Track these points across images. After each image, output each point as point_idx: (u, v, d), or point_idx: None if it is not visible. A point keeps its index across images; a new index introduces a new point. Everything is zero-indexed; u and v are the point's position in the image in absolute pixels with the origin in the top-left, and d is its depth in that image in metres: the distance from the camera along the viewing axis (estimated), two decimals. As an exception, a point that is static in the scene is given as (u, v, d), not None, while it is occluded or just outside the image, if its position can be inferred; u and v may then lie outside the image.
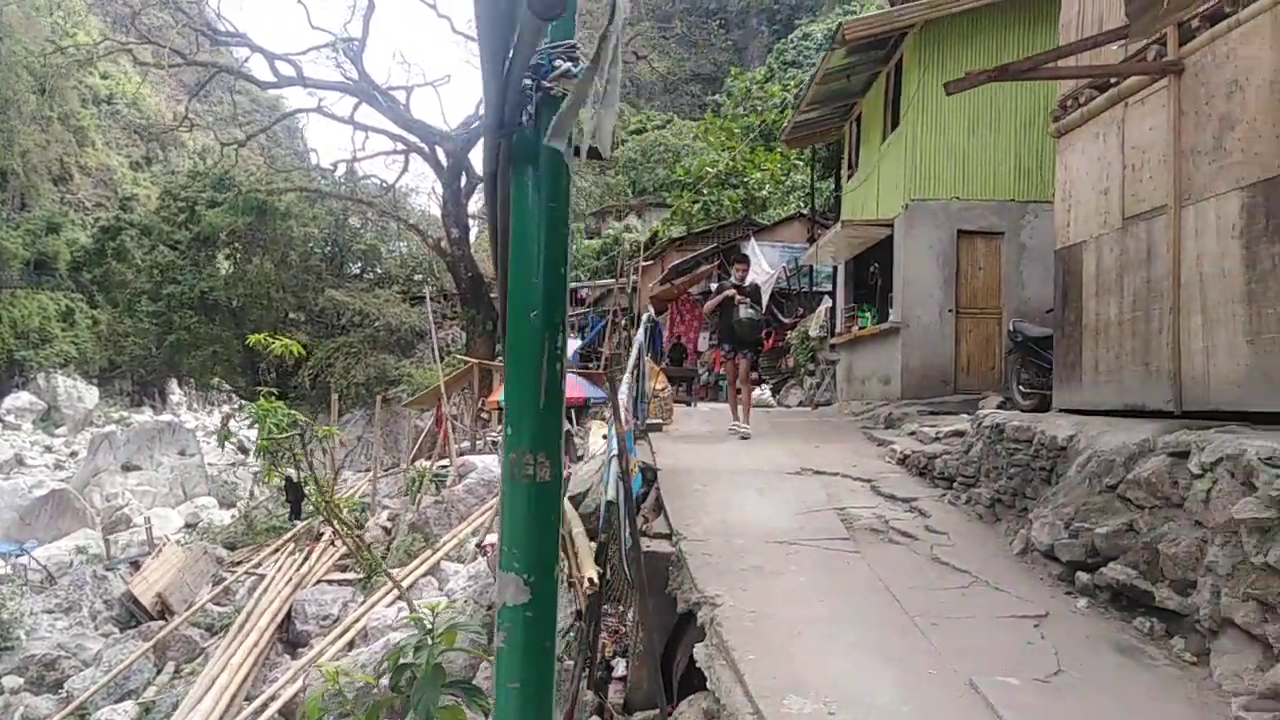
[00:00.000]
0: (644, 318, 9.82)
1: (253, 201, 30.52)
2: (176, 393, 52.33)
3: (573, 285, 38.23)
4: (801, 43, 42.83)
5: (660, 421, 9.76)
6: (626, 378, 7.34)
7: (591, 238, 42.38)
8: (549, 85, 1.42)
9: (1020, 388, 9.30)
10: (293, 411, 11.09)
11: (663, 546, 6.11)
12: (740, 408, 9.39)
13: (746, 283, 9.39)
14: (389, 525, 16.38)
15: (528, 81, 1.41)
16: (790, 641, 4.21)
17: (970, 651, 4.05)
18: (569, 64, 1.42)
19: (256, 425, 12.42)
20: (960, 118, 11.53)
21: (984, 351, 11.35)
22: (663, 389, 10.21)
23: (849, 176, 15.30)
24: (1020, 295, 11.27)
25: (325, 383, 33.09)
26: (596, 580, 4.28)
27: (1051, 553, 5.24)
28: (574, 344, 29.51)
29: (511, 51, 1.36)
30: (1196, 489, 4.37)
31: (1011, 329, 9.81)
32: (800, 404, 16.87)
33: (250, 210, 30.65)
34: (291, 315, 34.19)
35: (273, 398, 10.23)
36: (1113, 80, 6.72)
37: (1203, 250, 5.69)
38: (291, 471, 13.40)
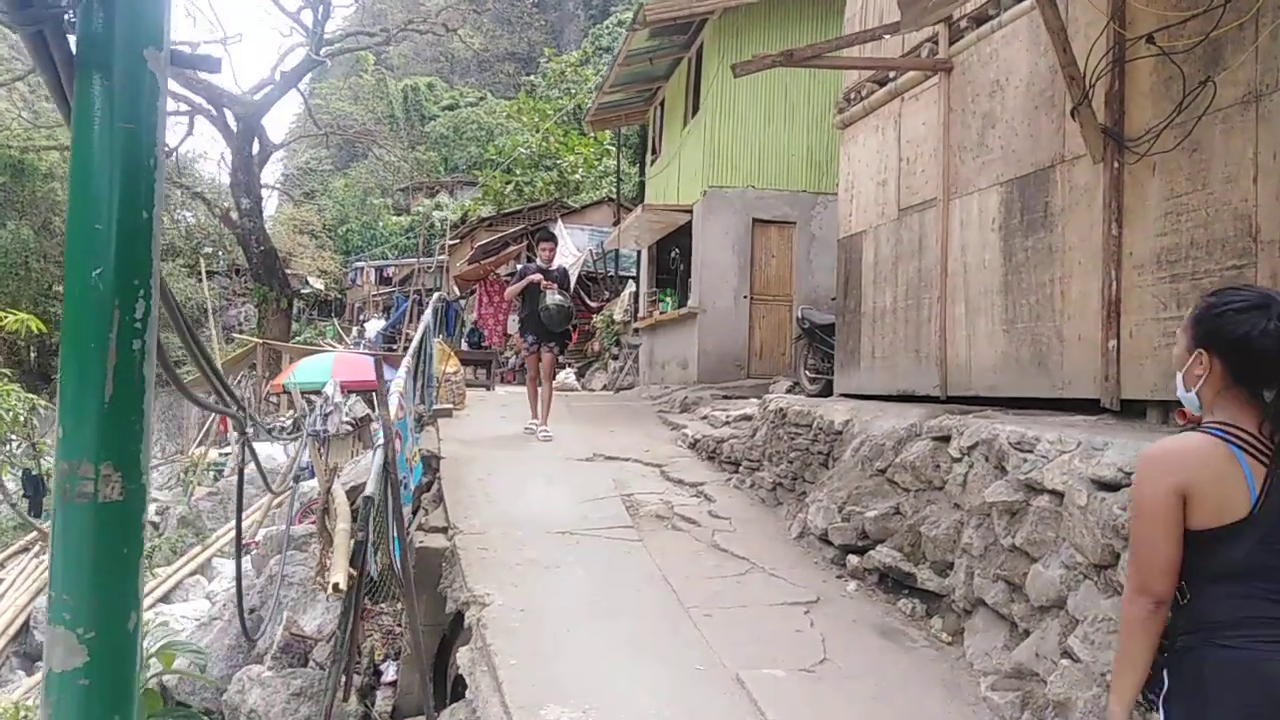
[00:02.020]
0: (434, 297, 9.26)
1: (7, 159, 26.91)
2: (-83, 372, 45.65)
3: (379, 263, 36.77)
4: (617, 29, 42.85)
5: (451, 406, 9.29)
6: (406, 360, 6.85)
7: (400, 214, 40.68)
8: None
9: (807, 373, 9.56)
10: (31, 396, 9.75)
11: (438, 541, 5.72)
12: (541, 406, 8.34)
13: (554, 265, 8.50)
14: (158, 520, 14.92)
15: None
16: (558, 642, 3.96)
17: (741, 643, 3.96)
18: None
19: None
20: (757, 108, 11.74)
21: (776, 337, 11.64)
22: (455, 372, 9.73)
23: (653, 161, 15.32)
24: (810, 283, 11.64)
25: (97, 364, 29.94)
26: (343, 585, 3.84)
27: (826, 536, 5.30)
28: (379, 324, 28.16)
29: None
30: (956, 472, 4.50)
31: (800, 316, 10.07)
32: (604, 388, 16.81)
33: (4, 169, 27.05)
34: (56, 288, 30.66)
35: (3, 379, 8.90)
36: (891, 75, 6.92)
37: (967, 242, 5.95)
38: (31, 463, 11.89)
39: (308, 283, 38.27)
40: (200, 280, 35.75)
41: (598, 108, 15.05)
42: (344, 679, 4.42)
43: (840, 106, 7.74)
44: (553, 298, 7.90)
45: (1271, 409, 1.89)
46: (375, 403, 5.08)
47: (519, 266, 8.61)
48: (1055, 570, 3.46)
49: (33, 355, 32.56)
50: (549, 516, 5.87)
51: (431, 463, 7.37)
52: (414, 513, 6.60)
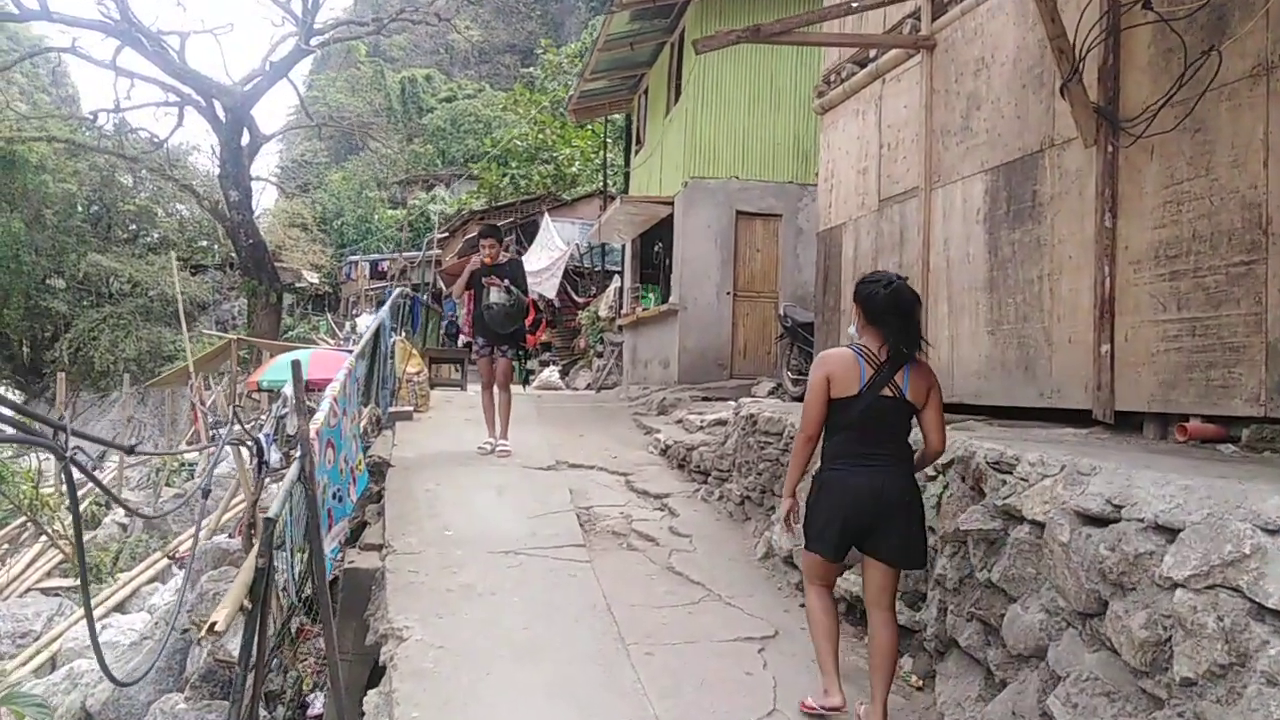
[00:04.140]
0: (396, 292, 8.76)
1: None
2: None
3: (373, 257, 36.23)
4: (615, 21, 42.23)
5: (411, 409, 8.82)
6: (349, 360, 6.37)
7: (396, 207, 40.16)
8: None
9: (789, 374, 9.08)
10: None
11: (371, 560, 5.26)
12: (499, 417, 7.40)
13: (503, 260, 7.50)
14: (125, 522, 14.46)
15: None
16: (474, 687, 3.49)
17: (680, 690, 3.49)
18: None
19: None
20: (741, 96, 11.25)
21: (760, 335, 11.15)
22: (417, 372, 9.24)
23: (638, 152, 14.82)
24: (796, 279, 11.15)
25: (89, 357, 29.52)
26: (221, 627, 3.37)
27: (791, 559, 4.83)
28: (370, 319, 27.67)
29: None
30: (930, 492, 4.01)
31: (782, 313, 9.61)
32: (588, 386, 16.34)
33: None
34: (49, 281, 30.26)
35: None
36: (872, 55, 6.43)
37: (950, 235, 5.46)
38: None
39: (301, 276, 37.82)
40: (195, 274, 35.32)
41: (580, 95, 14.54)
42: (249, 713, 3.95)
43: (819, 90, 7.25)
44: (495, 295, 7.08)
45: (889, 339, 3.27)
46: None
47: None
48: (1035, 614, 2.99)
49: (25, 351, 32.17)
50: (494, 533, 5.40)
51: (383, 470, 6.91)
52: (353, 528, 6.13)
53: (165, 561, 11.25)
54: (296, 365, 4.65)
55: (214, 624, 3.30)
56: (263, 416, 15.86)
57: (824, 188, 7.29)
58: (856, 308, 3.39)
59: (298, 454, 4.47)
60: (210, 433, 15.50)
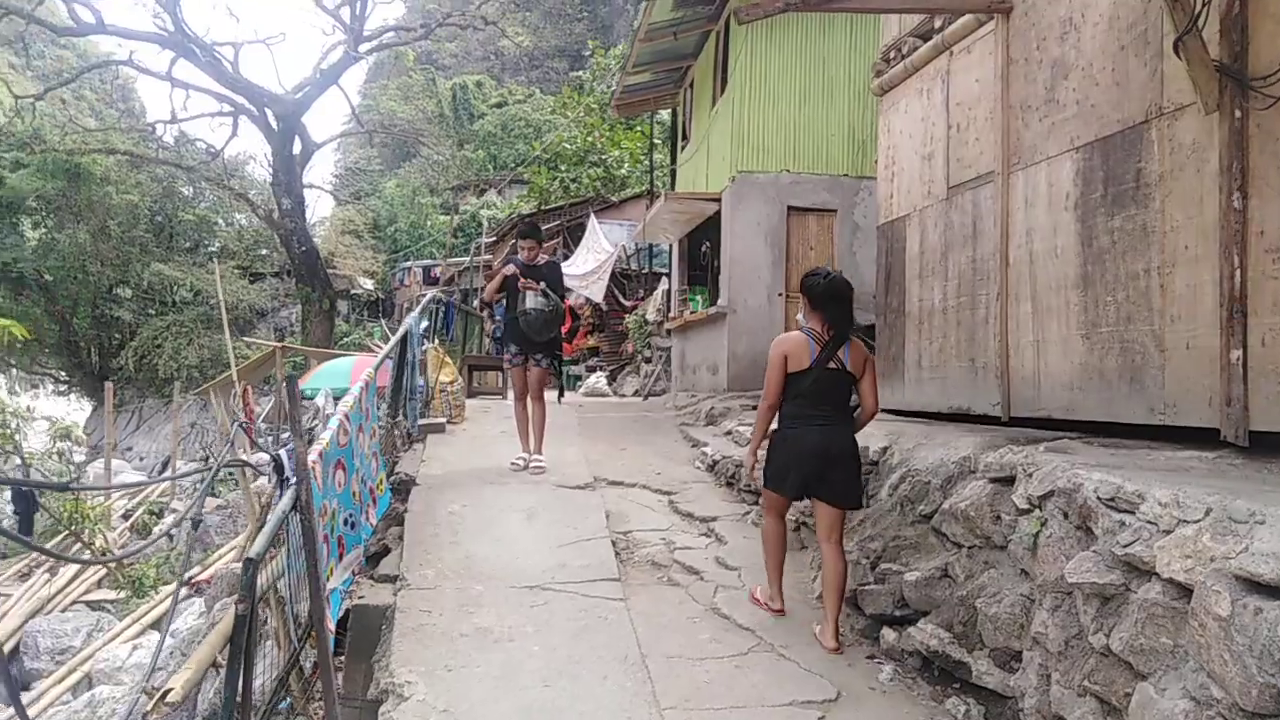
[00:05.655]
0: (427, 297, 8.28)
1: (63, 164, 27.04)
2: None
3: (425, 263, 36.22)
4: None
5: (444, 420, 8.35)
6: (367, 371, 5.89)
7: (448, 213, 40.21)
8: None
9: (847, 380, 8.42)
10: (14, 408, 9.11)
11: (383, 595, 4.75)
12: (532, 430, 6.86)
13: (540, 262, 6.87)
14: (174, 532, 14.31)
15: None
16: (478, 769, 2.94)
17: (724, 774, 2.89)
18: None
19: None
20: (791, 84, 10.58)
21: (815, 338, 10.45)
22: (450, 381, 8.77)
23: (683, 148, 14.22)
24: (854, 279, 10.38)
25: (153, 364, 29.96)
26: (177, 695, 2.88)
27: (855, 600, 4.20)
28: (425, 324, 27.51)
29: None
30: (1023, 529, 3.36)
31: (839, 315, 8.93)
32: (636, 393, 15.78)
33: (60, 173, 27.17)
34: (115, 290, 30.81)
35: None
36: (936, 25, 5.75)
37: (1033, 224, 4.77)
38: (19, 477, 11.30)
39: (355, 283, 38.03)
40: (253, 282, 35.67)
41: (623, 90, 13.99)
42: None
43: (877, 69, 6.58)
44: (532, 300, 6.54)
45: (829, 321, 4.10)
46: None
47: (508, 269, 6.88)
48: (1176, 700, 2.33)
49: (94, 358, 32.80)
50: (519, 564, 4.85)
51: (408, 488, 6.42)
52: (376, 550, 5.65)
53: (206, 573, 11.00)
54: (293, 384, 4.17)
55: (167, 691, 2.81)
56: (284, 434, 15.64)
57: (884, 176, 6.61)
58: (803, 297, 4.25)
59: (291, 482, 3.98)
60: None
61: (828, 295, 4.09)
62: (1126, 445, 3.82)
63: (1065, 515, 3.08)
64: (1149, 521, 2.62)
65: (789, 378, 4.09)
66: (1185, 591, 2.37)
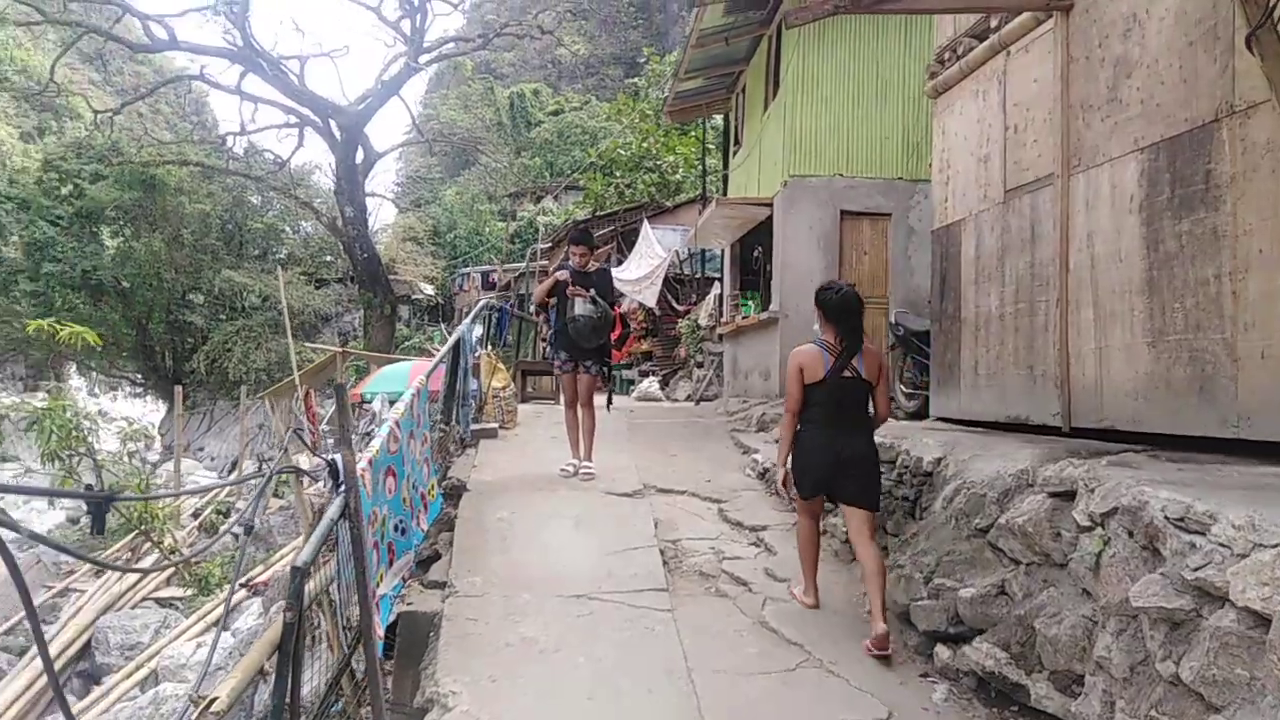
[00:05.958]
0: (480, 303, 8.33)
1: (139, 175, 28.11)
2: (75, 377, 48.58)
3: (484, 269, 36.65)
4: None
5: (497, 426, 8.38)
6: (419, 378, 5.94)
7: (506, 219, 40.65)
8: None
9: (902, 387, 8.25)
10: (87, 411, 9.40)
11: (432, 602, 4.77)
12: (582, 438, 6.85)
13: (590, 268, 6.95)
14: (237, 531, 14.62)
15: None
16: (520, 784, 2.91)
17: (770, 796, 2.82)
18: None
19: (36, 429, 10.64)
20: (844, 87, 10.43)
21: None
22: (503, 387, 8.82)
23: (736, 153, 14.12)
24: (909, 283, 10.25)
25: (223, 368, 30.84)
26: (223, 704, 2.90)
27: (908, 616, 4.08)
28: (477, 331, 27.84)
29: None
30: (1085, 547, 3.22)
31: (893, 321, 8.77)
32: (688, 398, 15.71)
33: (137, 184, 28.25)
34: (189, 296, 31.83)
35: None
36: (993, 24, 5.59)
37: (1095, 228, 4.60)
38: (92, 479, 11.66)
39: (416, 289, 38.64)
40: (319, 288, 36.48)
41: (675, 96, 13.96)
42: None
43: (932, 70, 6.43)
44: (581, 307, 6.55)
45: (842, 334, 4.30)
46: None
47: (560, 274, 6.90)
48: (1250, 735, 2.20)
49: (168, 362, 33.87)
50: (566, 572, 4.83)
51: (459, 493, 6.46)
52: (427, 555, 5.68)
53: (266, 574, 11.23)
54: (342, 390, 4.20)
55: (213, 700, 2.83)
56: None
57: (939, 179, 6.46)
58: (817, 310, 4.44)
59: (343, 488, 4.01)
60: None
61: (839, 309, 4.31)
62: (1196, 460, 3.65)
63: (1130, 534, 2.95)
64: (1221, 544, 2.48)
65: (806, 388, 4.30)
66: (1263, 621, 2.24)
